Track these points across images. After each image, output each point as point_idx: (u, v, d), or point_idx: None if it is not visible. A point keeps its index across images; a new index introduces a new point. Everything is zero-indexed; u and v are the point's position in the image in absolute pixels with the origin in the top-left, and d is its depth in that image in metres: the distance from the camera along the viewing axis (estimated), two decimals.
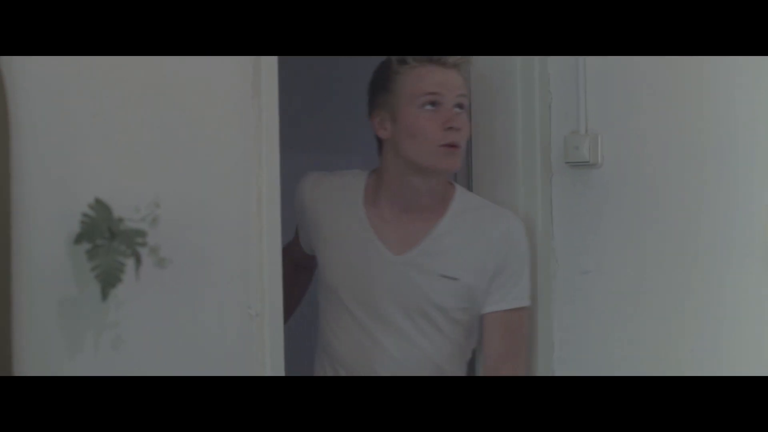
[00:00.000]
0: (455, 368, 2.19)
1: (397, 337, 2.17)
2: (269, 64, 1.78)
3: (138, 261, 1.49)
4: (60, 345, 1.49)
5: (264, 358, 1.76)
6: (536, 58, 2.30)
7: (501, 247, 2.18)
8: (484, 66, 2.10)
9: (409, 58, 2.09)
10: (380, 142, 2.18)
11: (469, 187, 2.46)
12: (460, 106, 2.11)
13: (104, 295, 1.45)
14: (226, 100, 1.74)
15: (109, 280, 1.46)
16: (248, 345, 1.75)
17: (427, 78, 2.10)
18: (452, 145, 2.10)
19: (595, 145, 2.28)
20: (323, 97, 3.35)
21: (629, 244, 2.23)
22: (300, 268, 2.40)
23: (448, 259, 2.18)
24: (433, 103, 2.10)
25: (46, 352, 1.47)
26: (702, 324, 2.16)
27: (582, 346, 2.28)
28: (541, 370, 2.26)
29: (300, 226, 2.32)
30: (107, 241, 1.46)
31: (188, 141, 1.68)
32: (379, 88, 2.15)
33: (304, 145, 3.05)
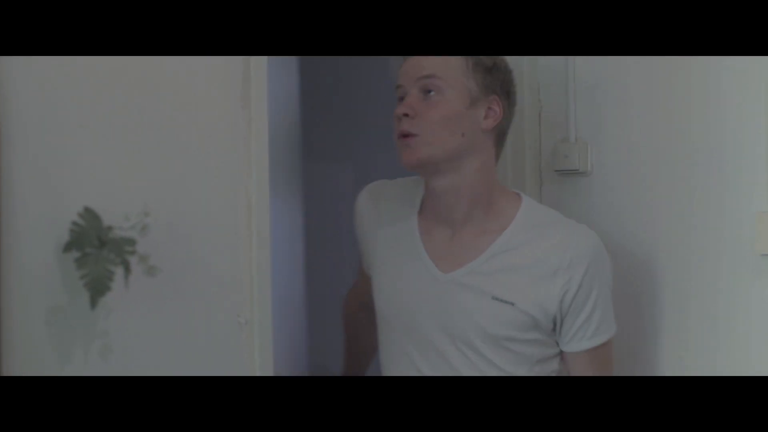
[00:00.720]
0: None
1: (442, 368, 1.93)
2: (258, 71, 1.79)
3: (127, 269, 1.48)
4: (49, 354, 1.48)
5: (253, 365, 1.76)
6: (525, 67, 2.31)
7: (577, 271, 1.88)
8: None
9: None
10: None
11: None
12: (426, 90, 1.90)
13: (93, 303, 1.45)
14: (215, 108, 1.74)
15: (98, 289, 1.45)
16: (237, 353, 1.75)
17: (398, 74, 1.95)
18: (403, 135, 1.88)
19: (584, 153, 2.29)
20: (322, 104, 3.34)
21: (618, 252, 2.23)
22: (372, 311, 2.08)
23: (503, 280, 1.90)
24: (402, 98, 1.92)
25: (34, 361, 1.47)
26: (692, 332, 2.17)
27: None
28: None
29: (361, 249, 2.10)
30: (96, 250, 1.46)
31: (177, 149, 1.68)
32: None
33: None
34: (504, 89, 1.95)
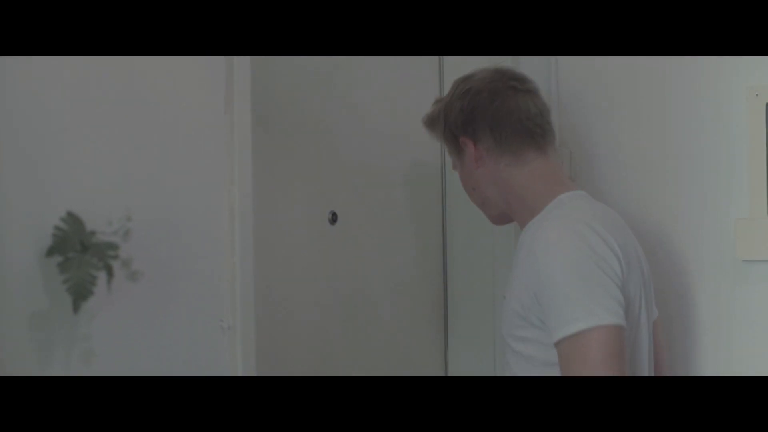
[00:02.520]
0: None
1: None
2: (241, 74, 1.79)
3: (110, 274, 1.49)
4: (31, 358, 1.48)
5: (236, 370, 1.76)
6: None
7: (527, 260, 1.87)
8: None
9: None
10: None
11: (442, 208, 2.47)
12: None
13: (75, 307, 1.46)
14: (198, 113, 1.75)
15: (80, 293, 1.46)
16: (220, 358, 1.75)
17: None
18: None
19: (567, 160, 2.30)
20: None
21: None
22: None
23: (509, 276, 2.00)
24: None
25: (16, 365, 1.47)
26: (673, 338, 2.18)
27: None
28: None
29: None
30: (79, 254, 1.46)
31: (160, 153, 1.68)
32: None
33: None
34: (459, 123, 2.02)
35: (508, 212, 2.04)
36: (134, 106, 1.64)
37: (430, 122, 2.08)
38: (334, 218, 2.18)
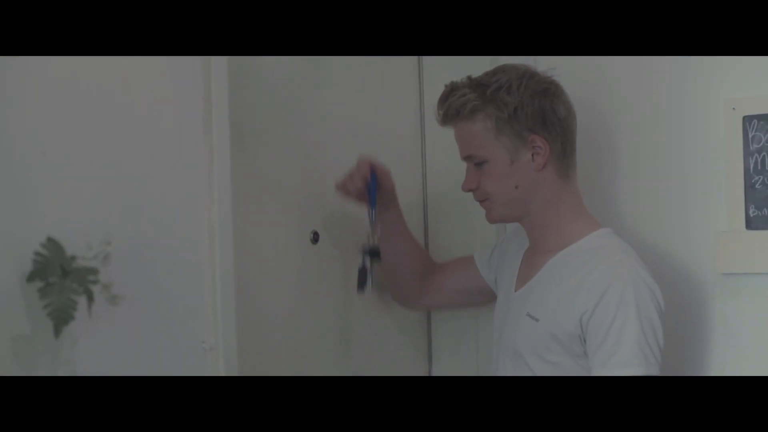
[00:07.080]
0: None
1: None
2: (220, 97, 1.80)
3: (90, 299, 1.49)
4: None
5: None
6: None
7: (594, 293, 1.91)
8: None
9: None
10: None
11: (424, 222, 2.48)
12: (476, 163, 2.04)
13: (57, 332, 1.46)
14: (176, 135, 1.75)
15: (61, 318, 1.46)
16: None
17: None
18: (478, 200, 2.09)
19: None
20: None
21: None
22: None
23: (537, 297, 2.01)
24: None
25: None
26: None
27: None
28: None
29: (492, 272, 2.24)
30: (60, 279, 1.47)
31: (139, 176, 1.68)
32: None
33: None
34: (537, 121, 2.00)
35: (525, 220, 2.07)
36: (113, 129, 1.64)
37: (474, 109, 2.00)
38: (315, 238, 2.17)
